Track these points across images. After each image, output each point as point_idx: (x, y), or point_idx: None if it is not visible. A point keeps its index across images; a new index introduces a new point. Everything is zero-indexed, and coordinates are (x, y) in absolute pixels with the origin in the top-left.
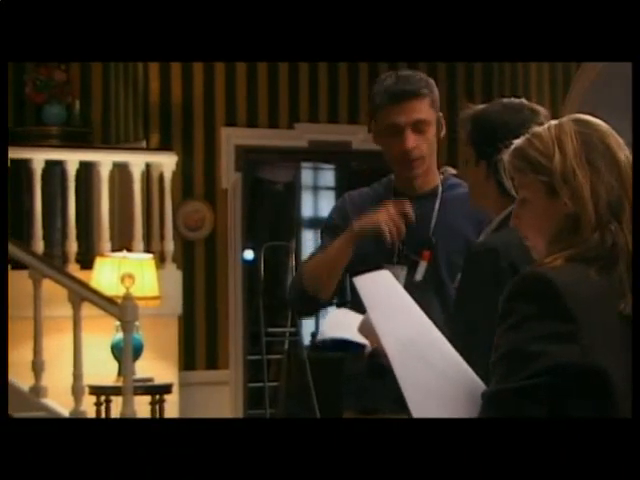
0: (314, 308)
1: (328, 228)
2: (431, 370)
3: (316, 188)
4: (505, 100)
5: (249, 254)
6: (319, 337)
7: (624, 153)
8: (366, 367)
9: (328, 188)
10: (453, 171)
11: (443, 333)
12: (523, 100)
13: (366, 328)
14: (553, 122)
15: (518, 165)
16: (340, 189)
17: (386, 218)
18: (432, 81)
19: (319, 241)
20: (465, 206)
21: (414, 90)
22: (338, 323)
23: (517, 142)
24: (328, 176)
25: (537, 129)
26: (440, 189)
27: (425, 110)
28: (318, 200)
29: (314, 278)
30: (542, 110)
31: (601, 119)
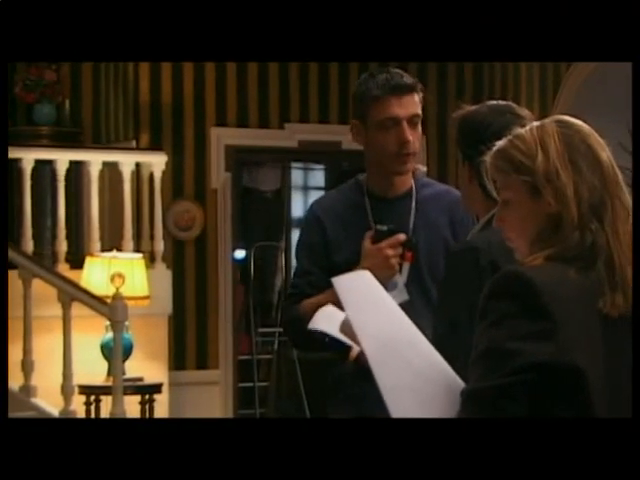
0: (316, 343)
1: (306, 247)
2: (409, 369)
3: (306, 188)
4: (491, 102)
5: (240, 254)
6: (310, 325)
7: (606, 153)
8: (353, 371)
9: (318, 188)
10: (424, 169)
11: (426, 333)
12: (509, 103)
13: (347, 328)
14: (535, 123)
15: (501, 166)
16: (330, 189)
17: (383, 263)
18: None
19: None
20: (439, 206)
21: (412, 84)
22: (332, 317)
23: (499, 143)
24: (318, 176)
25: (519, 130)
26: (414, 189)
27: (418, 105)
28: (308, 200)
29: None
30: (527, 114)
31: (592, 119)
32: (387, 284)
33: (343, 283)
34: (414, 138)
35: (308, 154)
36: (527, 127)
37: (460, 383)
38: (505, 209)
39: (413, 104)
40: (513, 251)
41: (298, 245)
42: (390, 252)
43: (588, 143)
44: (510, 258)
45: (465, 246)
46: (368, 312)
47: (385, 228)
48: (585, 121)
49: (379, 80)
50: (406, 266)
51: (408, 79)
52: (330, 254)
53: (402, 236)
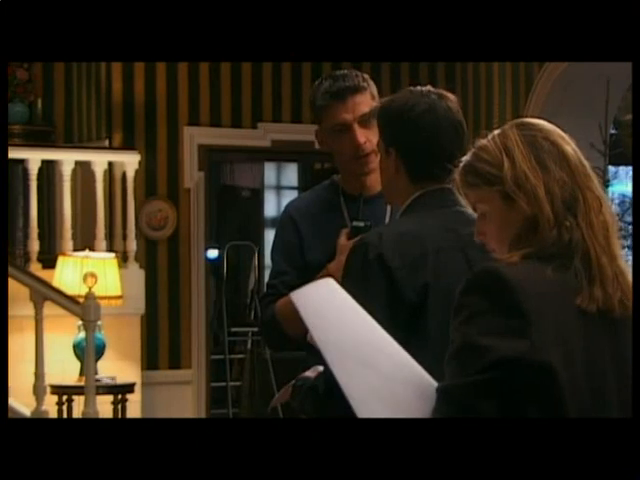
0: (292, 344)
1: (281, 247)
2: (377, 373)
3: (279, 188)
4: (410, 88)
5: (213, 253)
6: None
7: (571, 147)
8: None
9: (291, 187)
10: None
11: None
12: (430, 87)
13: (312, 340)
14: (496, 132)
15: (470, 181)
16: (303, 189)
17: None
18: (367, 76)
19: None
20: None
21: (354, 85)
22: None
23: (465, 159)
24: (291, 175)
25: (482, 142)
26: None
27: (368, 103)
28: (281, 200)
29: (288, 319)
30: (450, 95)
31: (563, 120)
32: None
33: (300, 296)
34: (368, 137)
35: (281, 154)
36: (489, 137)
37: (432, 382)
38: (483, 222)
39: (361, 104)
40: (411, 243)
41: (273, 246)
42: None
43: (551, 140)
44: (405, 251)
45: (357, 242)
46: (328, 321)
47: (362, 224)
48: (557, 122)
49: (323, 88)
50: None
51: (350, 81)
52: (305, 254)
53: None
